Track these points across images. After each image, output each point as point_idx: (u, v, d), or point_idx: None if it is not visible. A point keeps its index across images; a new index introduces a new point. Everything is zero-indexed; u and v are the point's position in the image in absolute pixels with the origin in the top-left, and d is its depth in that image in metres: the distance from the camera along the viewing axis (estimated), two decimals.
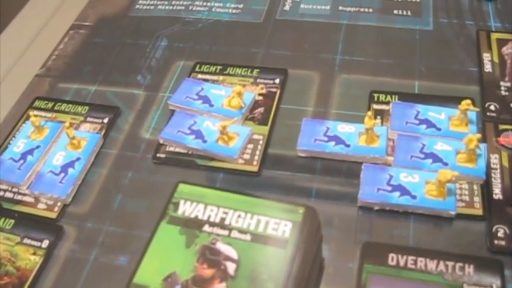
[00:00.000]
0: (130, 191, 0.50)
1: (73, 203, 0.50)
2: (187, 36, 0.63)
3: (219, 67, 0.58)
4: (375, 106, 0.53)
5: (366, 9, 0.63)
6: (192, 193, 0.42)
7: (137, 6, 0.68)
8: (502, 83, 0.54)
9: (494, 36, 0.58)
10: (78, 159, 0.52)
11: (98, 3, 0.71)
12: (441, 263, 0.41)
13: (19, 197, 0.51)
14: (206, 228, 0.40)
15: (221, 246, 0.39)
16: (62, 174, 0.51)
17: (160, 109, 0.56)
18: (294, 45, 0.60)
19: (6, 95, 0.61)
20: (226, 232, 0.39)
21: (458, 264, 0.41)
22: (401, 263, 0.41)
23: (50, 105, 0.58)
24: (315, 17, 0.63)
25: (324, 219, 0.43)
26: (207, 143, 0.51)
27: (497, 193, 0.46)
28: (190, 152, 0.51)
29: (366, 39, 0.60)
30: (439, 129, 0.50)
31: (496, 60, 0.56)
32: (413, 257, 0.41)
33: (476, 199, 0.45)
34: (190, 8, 0.67)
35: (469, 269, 0.40)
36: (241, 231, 0.39)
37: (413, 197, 0.45)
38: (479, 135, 0.47)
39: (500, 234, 0.43)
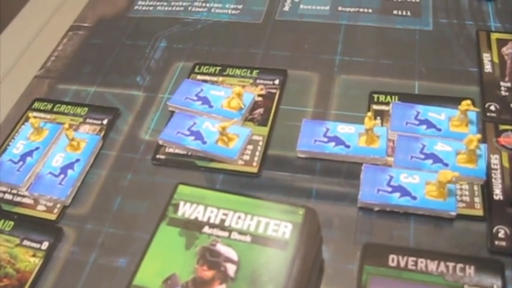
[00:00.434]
0: (130, 192, 0.50)
1: (72, 204, 0.50)
2: (186, 37, 0.63)
3: (218, 68, 0.58)
4: (375, 107, 0.53)
5: (366, 10, 0.63)
6: (192, 194, 0.42)
7: (136, 7, 0.68)
8: (502, 83, 0.54)
9: (494, 36, 0.58)
10: (77, 160, 0.52)
11: (97, 4, 0.71)
12: (442, 263, 0.41)
13: (18, 199, 0.51)
14: (206, 229, 0.40)
15: (221, 247, 0.39)
16: (62, 176, 0.51)
17: (159, 110, 0.56)
18: (294, 46, 0.60)
19: (5, 96, 0.60)
20: (226, 233, 0.39)
21: (459, 265, 0.40)
22: (402, 264, 0.41)
23: (49, 106, 0.58)
24: (314, 17, 0.63)
25: (324, 220, 0.43)
26: (206, 144, 0.51)
27: (497, 194, 0.46)
28: (189, 153, 0.51)
29: (365, 39, 0.60)
30: (439, 130, 0.50)
31: (496, 60, 0.56)
32: (414, 258, 0.41)
33: (477, 200, 0.45)
34: (189, 8, 0.66)
35: (470, 270, 0.40)
36: (241, 232, 0.39)
37: (414, 198, 0.45)
38: (479, 136, 0.46)
39: (500, 234, 0.43)
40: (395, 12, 0.62)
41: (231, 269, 0.38)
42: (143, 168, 0.52)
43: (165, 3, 0.68)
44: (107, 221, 0.48)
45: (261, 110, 0.54)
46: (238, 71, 0.58)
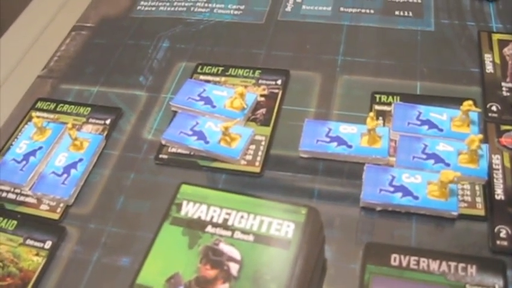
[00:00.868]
0: (133, 192, 0.50)
1: (75, 204, 0.50)
2: (189, 38, 0.63)
3: (221, 68, 0.58)
4: (377, 107, 0.53)
5: (368, 10, 0.63)
6: (195, 194, 0.42)
7: (139, 8, 0.69)
8: (503, 84, 0.54)
9: (496, 37, 0.58)
10: (80, 160, 0.52)
11: (99, 4, 0.71)
12: (443, 263, 0.41)
13: (22, 198, 0.51)
14: (209, 229, 0.40)
15: (224, 247, 0.39)
16: (65, 175, 0.51)
17: (162, 110, 0.56)
18: (296, 46, 0.60)
19: (9, 96, 0.61)
20: (229, 233, 0.39)
21: (461, 265, 0.41)
22: (404, 264, 0.41)
23: (52, 106, 0.58)
24: (316, 18, 0.63)
25: (327, 220, 0.43)
26: (209, 144, 0.51)
27: (499, 193, 0.46)
28: (192, 153, 0.51)
29: (367, 40, 0.60)
30: (441, 130, 0.50)
31: (497, 61, 0.56)
32: (416, 258, 0.41)
33: (479, 199, 0.46)
34: (191, 9, 0.67)
35: (472, 270, 0.40)
36: (244, 231, 0.39)
37: (416, 198, 0.45)
38: (480, 136, 0.47)
39: (502, 234, 0.43)
40: (397, 12, 0.62)
41: (233, 268, 0.38)
42: (146, 167, 0.52)
43: (168, 4, 0.68)
44: (110, 220, 0.48)
45: (263, 110, 0.54)
46: (240, 71, 0.58)
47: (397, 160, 0.48)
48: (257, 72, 0.57)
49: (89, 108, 0.57)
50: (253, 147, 0.51)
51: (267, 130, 0.52)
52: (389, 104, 0.53)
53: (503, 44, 0.58)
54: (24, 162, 0.52)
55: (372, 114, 0.49)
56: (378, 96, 0.54)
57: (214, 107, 0.54)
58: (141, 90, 0.58)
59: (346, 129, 0.51)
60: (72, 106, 0.58)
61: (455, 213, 0.44)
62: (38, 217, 0.49)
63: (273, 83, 0.56)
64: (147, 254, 0.40)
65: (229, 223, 0.40)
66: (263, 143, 0.51)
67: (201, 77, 0.58)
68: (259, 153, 0.51)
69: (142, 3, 0.69)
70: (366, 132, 0.49)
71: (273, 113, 0.54)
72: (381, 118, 0.52)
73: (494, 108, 0.52)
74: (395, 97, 0.53)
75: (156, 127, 0.55)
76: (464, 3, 0.63)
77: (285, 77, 0.57)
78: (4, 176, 0.52)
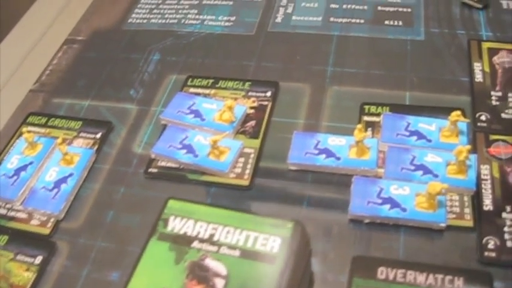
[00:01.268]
0: (123, 206, 0.50)
1: (66, 218, 0.50)
2: (179, 50, 0.64)
3: (211, 80, 0.58)
4: (366, 118, 0.53)
5: (358, 20, 0.63)
6: (182, 209, 0.42)
7: (130, 20, 0.69)
8: (493, 93, 0.54)
9: (486, 45, 0.58)
10: (71, 174, 0.52)
11: (91, 17, 0.71)
12: (430, 276, 0.41)
13: (12, 213, 0.51)
14: (195, 244, 0.40)
15: (210, 262, 0.39)
16: (55, 190, 0.51)
17: (152, 124, 0.56)
18: (286, 58, 0.60)
19: (1, 111, 0.61)
20: (215, 248, 0.40)
21: (448, 277, 0.41)
22: (391, 277, 0.41)
23: (44, 120, 0.58)
24: (306, 28, 0.63)
25: (315, 232, 0.43)
26: (198, 157, 0.51)
27: (487, 204, 0.46)
28: (181, 167, 0.52)
29: (357, 50, 0.60)
30: (430, 141, 0.50)
31: (487, 69, 0.56)
32: (403, 271, 0.41)
33: (467, 210, 0.46)
34: (182, 21, 0.67)
35: (459, 282, 0.40)
36: (230, 247, 0.39)
37: (404, 210, 0.45)
38: (469, 147, 0.47)
39: (490, 245, 0.43)
40: (387, 22, 0.62)
41: (220, 283, 0.38)
42: (136, 182, 0.52)
43: (159, 16, 0.68)
44: (99, 235, 0.48)
45: (252, 123, 0.54)
46: (230, 83, 0.58)
47: (385, 172, 0.48)
48: (247, 84, 0.58)
49: (80, 122, 0.57)
50: (242, 159, 0.51)
51: (256, 142, 0.53)
52: (378, 114, 0.53)
53: (493, 52, 0.58)
54: (15, 177, 0.53)
55: (359, 126, 0.49)
56: (367, 107, 0.54)
57: (203, 120, 0.54)
58: (132, 103, 0.59)
59: (334, 141, 0.51)
60: (63, 120, 0.58)
61: (443, 225, 0.44)
62: (29, 232, 0.49)
63: (263, 94, 0.56)
64: (134, 270, 0.40)
65: (216, 238, 0.40)
66: (252, 155, 0.52)
67: (191, 89, 0.58)
68: (248, 166, 0.51)
69: (133, 15, 0.69)
70: (355, 144, 0.50)
71: (263, 125, 0.54)
72: (370, 129, 0.52)
73: (483, 117, 0.52)
74: (384, 108, 0.54)
75: (146, 141, 0.55)
76: (454, 11, 0.63)
77: (274, 89, 0.57)
78: None
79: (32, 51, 0.68)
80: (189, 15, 0.67)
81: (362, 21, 0.63)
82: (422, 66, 0.57)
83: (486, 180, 0.47)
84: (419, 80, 0.56)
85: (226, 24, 0.65)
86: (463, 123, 0.50)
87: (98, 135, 0.56)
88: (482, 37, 0.59)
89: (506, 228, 0.44)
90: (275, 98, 0.56)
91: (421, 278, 0.41)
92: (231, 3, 0.68)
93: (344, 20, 0.63)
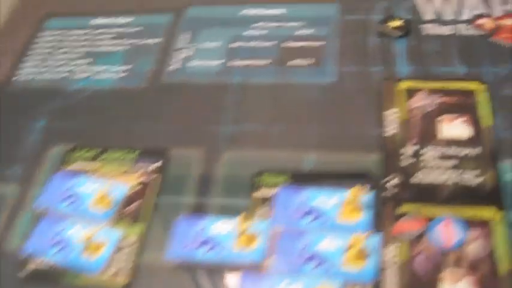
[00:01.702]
0: None
1: None
2: (66, 113, 0.56)
3: (96, 151, 0.52)
4: (260, 193, 0.46)
5: (261, 62, 0.55)
6: None
7: (14, 78, 0.61)
8: (407, 148, 0.47)
9: (403, 85, 0.51)
10: None
11: None
12: None
13: None
14: None
15: None
16: None
17: (30, 212, 0.49)
18: (179, 116, 0.53)
19: None
20: None
21: None
22: None
23: None
24: (204, 76, 0.55)
25: None
26: (70, 255, 0.45)
27: None
28: (54, 268, 0.46)
29: (257, 101, 0.53)
30: (328, 221, 0.43)
31: (402, 117, 0.48)
32: None
33: None
34: (72, 76, 0.59)
35: None
36: None
37: None
38: (365, 235, 0.40)
39: None
40: (293, 62, 0.55)
41: None
42: (10, 284, 0.46)
43: (46, 70, 0.60)
44: None
45: (136, 204, 0.48)
46: (117, 154, 0.51)
47: (274, 265, 0.42)
48: (134, 153, 0.51)
49: None
50: (121, 253, 0.45)
51: (139, 229, 0.46)
52: (275, 185, 0.46)
53: (409, 94, 0.50)
54: None
55: (243, 214, 0.43)
56: (262, 177, 0.47)
57: (79, 207, 0.48)
58: (8, 185, 0.52)
59: (220, 228, 0.44)
60: None
61: None
62: None
63: (150, 167, 0.50)
64: None
65: None
66: (133, 247, 0.46)
67: (74, 165, 0.51)
68: (128, 261, 0.45)
69: (19, 71, 0.61)
70: (240, 232, 0.43)
71: (147, 207, 0.47)
72: (263, 206, 0.46)
73: (393, 182, 0.45)
74: (282, 176, 0.47)
75: (22, 235, 0.48)
76: (370, 43, 0.55)
77: (163, 159, 0.50)
78: None
79: None
80: (81, 67, 0.60)
81: (266, 62, 0.55)
82: (329, 118, 0.50)
83: (389, 266, 0.41)
84: (325, 136, 0.49)
85: (118, 76, 0.58)
86: (368, 196, 0.44)
87: None
88: (400, 74, 0.52)
89: None
90: (163, 170, 0.49)
91: None
92: (126, 48, 0.60)
93: (246, 63, 0.56)
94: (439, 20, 0.56)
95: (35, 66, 0.62)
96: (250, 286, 0.41)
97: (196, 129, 0.52)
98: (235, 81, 0.54)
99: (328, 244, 0.42)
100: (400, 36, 0.54)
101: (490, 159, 0.45)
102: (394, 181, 0.45)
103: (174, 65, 0.57)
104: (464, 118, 0.47)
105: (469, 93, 0.49)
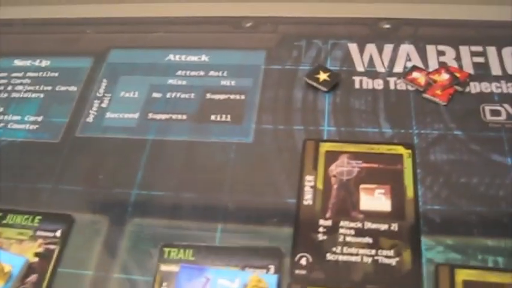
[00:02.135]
0: None
1: None
2: None
3: None
4: (163, 267, 0.43)
5: (179, 116, 0.52)
6: None
7: None
8: (321, 222, 0.43)
9: (324, 147, 0.47)
10: None
11: None
12: None
13: None
14: None
15: None
16: None
17: None
18: (88, 176, 0.49)
19: None
20: None
21: None
22: None
23: None
24: (119, 131, 0.52)
25: None
26: None
27: None
28: None
29: (171, 161, 0.49)
30: None
31: (319, 186, 0.45)
32: None
33: None
34: None
35: None
36: None
37: None
38: None
39: None
40: (213, 117, 0.51)
41: None
42: None
43: None
44: None
45: (34, 277, 0.44)
46: (19, 219, 0.47)
47: None
48: (37, 219, 0.47)
49: None
50: None
51: None
52: (179, 261, 0.43)
53: (331, 157, 0.47)
54: None
55: None
56: (167, 250, 0.43)
57: None
58: None
59: None
60: None
61: None
62: None
63: (52, 234, 0.46)
64: None
65: None
66: None
67: None
68: None
69: None
70: None
71: (45, 281, 0.44)
72: (165, 285, 0.42)
73: (303, 261, 0.42)
74: (187, 251, 0.43)
75: None
76: (294, 97, 0.51)
77: (66, 226, 0.46)
78: None
79: None
80: None
81: (185, 117, 0.52)
82: (243, 183, 0.47)
83: None
84: (236, 205, 0.45)
85: (31, 127, 0.54)
86: (272, 277, 0.40)
87: None
88: (322, 134, 0.48)
89: None
90: (65, 239, 0.46)
91: None
92: (41, 95, 0.56)
93: (164, 117, 0.52)
94: (370, 72, 0.52)
95: None
96: None
97: (104, 192, 0.48)
98: (150, 138, 0.51)
99: None
100: (327, 91, 0.50)
101: (410, 236, 0.42)
102: (307, 259, 0.42)
103: (89, 117, 0.53)
104: (384, 190, 0.44)
105: (395, 158, 0.46)
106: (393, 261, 0.41)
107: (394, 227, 0.42)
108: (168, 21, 0.62)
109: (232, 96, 0.52)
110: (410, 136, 0.47)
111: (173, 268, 0.43)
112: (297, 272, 0.41)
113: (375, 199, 0.44)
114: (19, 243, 0.46)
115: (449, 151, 0.47)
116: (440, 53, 0.54)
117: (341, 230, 0.42)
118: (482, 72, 0.52)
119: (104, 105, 0.54)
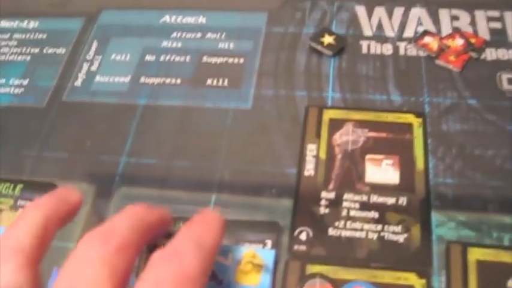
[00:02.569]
0: None
1: None
2: None
3: None
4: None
5: (173, 80, 0.48)
6: None
7: None
8: (323, 195, 0.40)
9: (328, 114, 0.44)
10: None
11: None
12: None
13: None
14: None
15: None
16: None
17: None
18: (75, 143, 0.46)
19: None
20: None
21: None
22: None
23: None
24: (108, 95, 0.48)
25: None
26: None
27: None
28: None
29: (163, 127, 0.46)
30: (220, 283, 0.37)
31: (322, 155, 0.42)
32: None
33: None
34: None
35: None
36: None
37: None
38: None
39: None
40: (209, 81, 0.47)
41: None
42: None
43: None
44: None
45: None
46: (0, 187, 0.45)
47: None
48: (18, 187, 0.44)
49: None
50: None
51: None
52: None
53: (334, 125, 0.43)
54: None
55: None
56: None
57: None
58: None
59: None
60: None
61: None
62: None
63: None
64: None
65: None
66: None
67: None
68: None
69: None
70: None
71: None
72: None
73: (303, 236, 0.38)
74: (180, 222, 0.40)
75: None
76: (298, 61, 0.48)
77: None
78: None
79: None
80: None
81: (179, 81, 0.48)
82: (240, 152, 0.43)
83: None
84: (232, 174, 0.42)
85: (16, 91, 0.50)
86: (269, 253, 0.37)
87: None
88: (326, 101, 0.45)
89: None
90: None
91: None
92: (28, 58, 0.53)
93: (157, 81, 0.49)
94: (379, 37, 0.49)
95: None
96: None
97: (91, 160, 0.45)
98: (142, 102, 0.48)
99: None
100: (333, 55, 0.47)
101: (419, 211, 0.39)
102: (308, 233, 0.39)
103: (77, 80, 0.50)
104: (392, 160, 0.41)
105: (404, 128, 0.43)
106: (400, 238, 0.38)
107: (403, 200, 0.39)
108: None
109: (230, 60, 0.49)
110: (421, 104, 0.44)
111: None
112: (296, 247, 0.38)
113: (381, 170, 0.40)
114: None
115: (463, 121, 0.43)
116: (454, 18, 0.50)
117: (345, 203, 0.39)
118: (498, 38, 0.49)
119: (93, 68, 0.50)
